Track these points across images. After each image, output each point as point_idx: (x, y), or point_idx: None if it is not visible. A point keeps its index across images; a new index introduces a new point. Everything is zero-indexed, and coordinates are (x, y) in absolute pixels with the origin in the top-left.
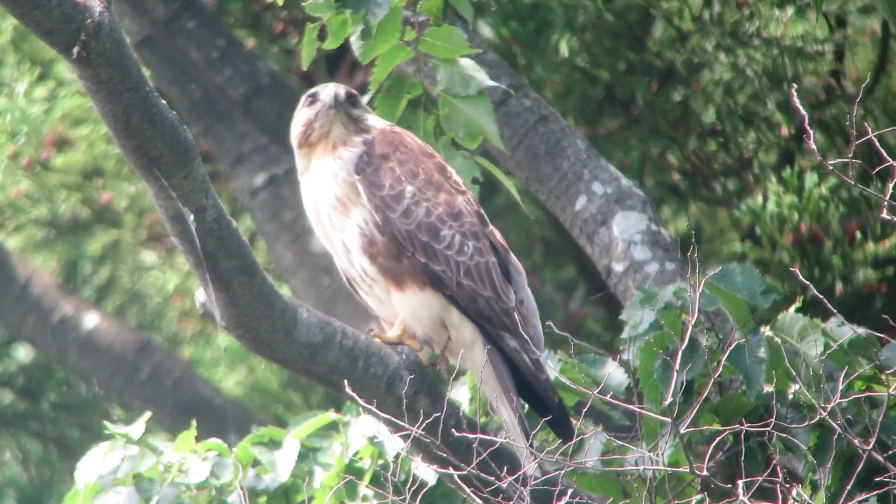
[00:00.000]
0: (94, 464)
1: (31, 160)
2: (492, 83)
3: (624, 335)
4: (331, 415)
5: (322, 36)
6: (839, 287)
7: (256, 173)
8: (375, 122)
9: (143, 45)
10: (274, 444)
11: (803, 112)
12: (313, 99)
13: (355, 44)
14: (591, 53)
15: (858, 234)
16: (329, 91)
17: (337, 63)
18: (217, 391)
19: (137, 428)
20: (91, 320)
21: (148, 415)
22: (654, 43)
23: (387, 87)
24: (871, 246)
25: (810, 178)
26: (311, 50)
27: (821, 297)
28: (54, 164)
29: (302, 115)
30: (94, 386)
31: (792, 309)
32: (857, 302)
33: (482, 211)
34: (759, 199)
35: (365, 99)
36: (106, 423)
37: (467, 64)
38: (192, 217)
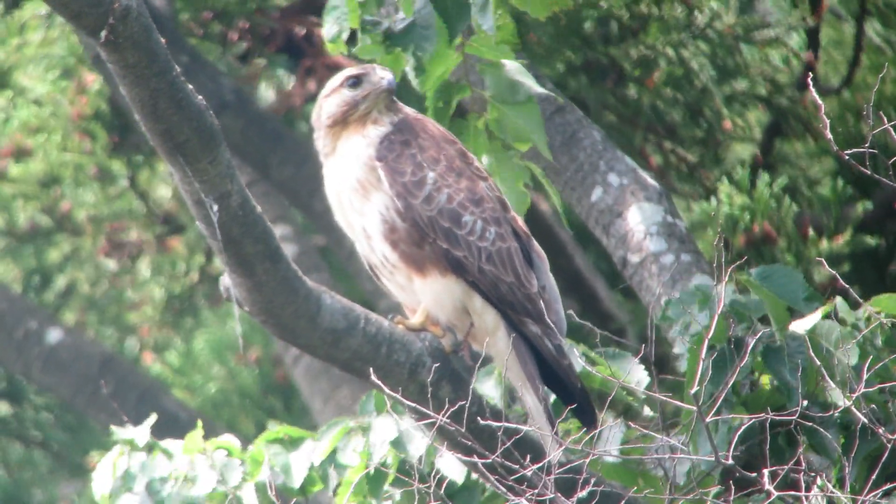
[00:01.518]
0: (107, 473)
1: None
2: (542, 90)
3: (673, 333)
4: (350, 423)
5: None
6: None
7: None
8: (402, 106)
9: (99, 61)
10: (290, 443)
11: (819, 101)
12: (357, 80)
13: (411, 75)
14: (536, 53)
15: (812, 232)
16: (386, 75)
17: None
18: (181, 405)
19: (143, 432)
20: (55, 335)
21: (154, 418)
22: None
23: (436, 96)
24: (825, 243)
25: (762, 178)
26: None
27: (858, 298)
28: (11, 174)
29: (342, 97)
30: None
31: (820, 312)
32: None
33: (504, 197)
34: (713, 200)
35: None
36: (113, 427)
37: (513, 68)
38: (215, 207)
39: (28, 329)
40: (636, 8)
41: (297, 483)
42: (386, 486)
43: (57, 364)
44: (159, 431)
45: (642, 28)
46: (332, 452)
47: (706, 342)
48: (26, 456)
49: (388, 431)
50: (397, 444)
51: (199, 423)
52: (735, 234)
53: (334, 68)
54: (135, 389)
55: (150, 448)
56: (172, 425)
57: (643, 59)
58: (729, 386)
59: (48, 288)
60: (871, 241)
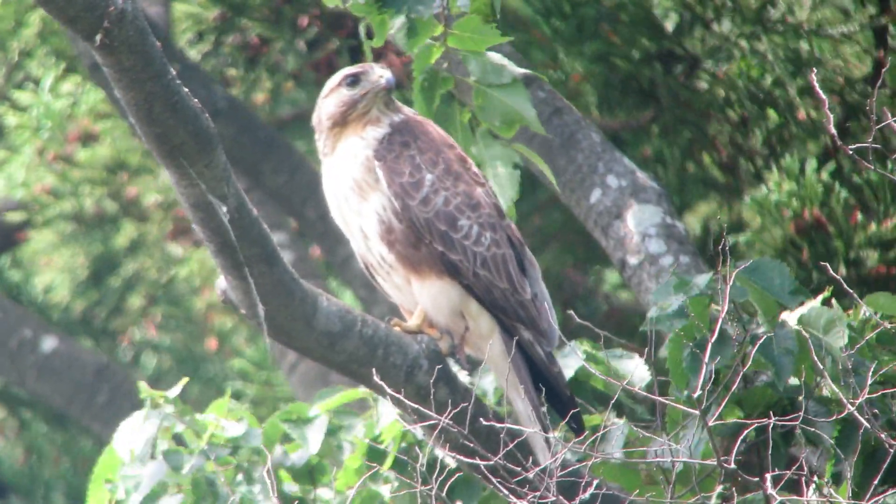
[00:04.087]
0: (132, 432)
1: (56, 155)
2: (521, 70)
3: (650, 314)
4: (361, 389)
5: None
6: (843, 272)
7: None
8: (402, 106)
9: (96, 69)
10: (302, 422)
11: (823, 96)
12: (356, 79)
13: (398, 37)
14: (610, 43)
15: (860, 217)
16: (384, 73)
17: (359, 56)
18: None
19: (174, 391)
20: (49, 343)
21: (185, 380)
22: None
23: (422, 85)
24: (873, 227)
25: (810, 165)
26: (367, 46)
27: (850, 291)
28: (79, 159)
29: (340, 96)
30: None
31: (818, 300)
32: (867, 288)
33: (500, 203)
34: (763, 189)
35: None
36: (141, 384)
37: (495, 56)
38: (224, 209)
39: (22, 338)
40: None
41: (314, 449)
42: (385, 473)
43: (51, 372)
44: None
45: (716, 19)
46: (340, 428)
47: (709, 347)
48: (95, 450)
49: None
50: (402, 418)
51: (228, 391)
52: (784, 222)
53: (400, 54)
54: (129, 397)
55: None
56: None
57: (716, 50)
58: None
59: (114, 273)
60: None
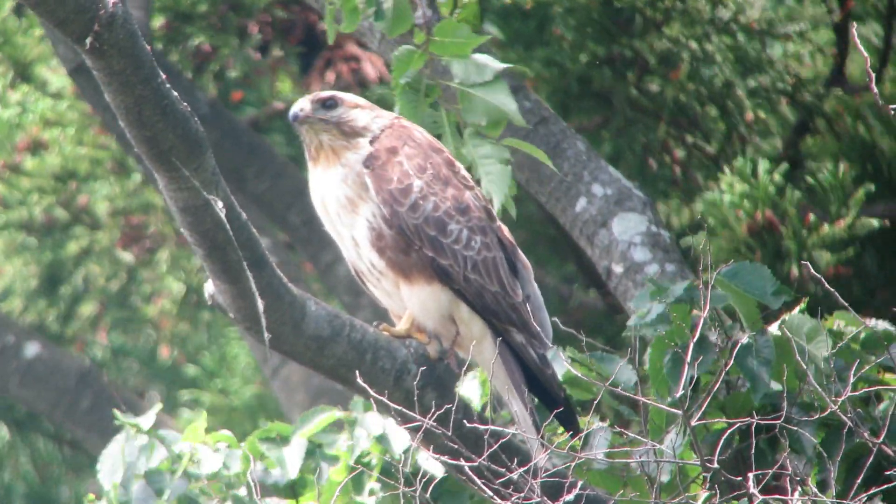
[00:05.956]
0: (114, 461)
1: (4, 164)
2: (503, 65)
3: (630, 323)
4: (337, 413)
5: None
6: (795, 272)
7: None
8: (375, 119)
9: (77, 73)
10: (282, 440)
11: (865, 54)
12: (334, 103)
13: (377, 24)
14: (561, 47)
15: (812, 217)
16: (292, 109)
17: (311, 61)
18: (162, 419)
19: (148, 418)
20: (32, 349)
21: (159, 405)
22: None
23: (405, 87)
24: (826, 228)
25: (762, 166)
26: (332, 30)
27: (832, 290)
28: (27, 168)
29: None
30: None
31: (797, 309)
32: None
33: (490, 206)
34: (716, 190)
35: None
36: (116, 412)
37: (477, 56)
38: (220, 204)
39: (5, 343)
40: (660, 1)
41: (292, 473)
42: (370, 485)
43: (34, 378)
44: None
45: (666, 21)
46: (319, 446)
47: (689, 351)
48: (53, 452)
49: (373, 426)
50: (382, 439)
51: (204, 413)
52: (738, 223)
53: (352, 59)
54: (112, 403)
55: (154, 437)
56: None
57: (667, 53)
58: (692, 381)
59: (65, 282)
60: (874, 223)
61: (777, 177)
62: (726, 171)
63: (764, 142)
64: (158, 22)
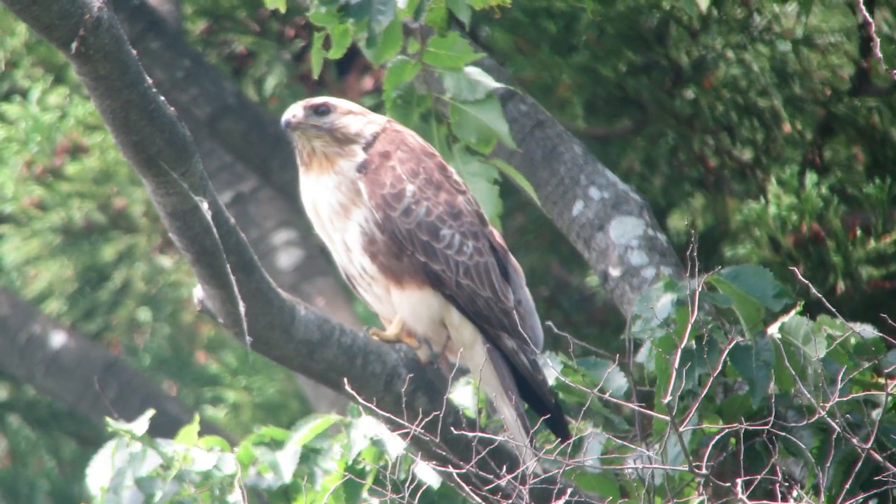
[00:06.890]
0: (104, 467)
1: (44, 168)
2: (497, 84)
3: (635, 329)
4: (332, 416)
5: (327, 45)
6: (841, 286)
7: (222, 192)
8: (367, 124)
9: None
10: (276, 445)
11: (870, 20)
12: (327, 110)
13: (365, 50)
14: (596, 54)
15: (859, 232)
16: (284, 116)
17: (348, 67)
18: (186, 409)
19: (141, 425)
20: (58, 339)
21: (151, 412)
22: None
23: (397, 100)
24: (872, 243)
25: (810, 178)
26: (319, 59)
27: (821, 296)
28: (67, 172)
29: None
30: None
31: (793, 312)
32: (864, 302)
33: (482, 211)
34: (762, 200)
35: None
36: (108, 419)
37: (472, 70)
38: (206, 205)
39: (31, 334)
40: (696, 9)
41: (287, 477)
42: (364, 494)
43: (60, 369)
44: (163, 434)
45: (702, 29)
46: (316, 451)
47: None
48: (75, 450)
49: (368, 429)
50: (377, 442)
51: (196, 417)
52: (784, 235)
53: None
54: (137, 394)
55: (147, 444)
56: (175, 429)
57: (702, 61)
58: (702, 395)
59: (102, 286)
60: None
61: (824, 189)
62: (772, 182)
63: (793, 150)
64: (199, 26)
